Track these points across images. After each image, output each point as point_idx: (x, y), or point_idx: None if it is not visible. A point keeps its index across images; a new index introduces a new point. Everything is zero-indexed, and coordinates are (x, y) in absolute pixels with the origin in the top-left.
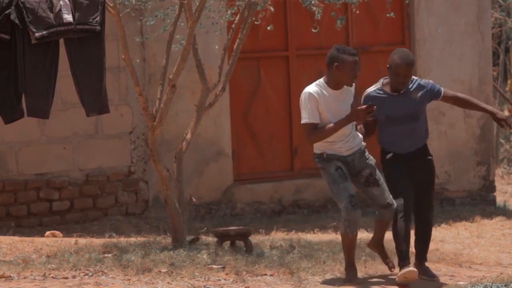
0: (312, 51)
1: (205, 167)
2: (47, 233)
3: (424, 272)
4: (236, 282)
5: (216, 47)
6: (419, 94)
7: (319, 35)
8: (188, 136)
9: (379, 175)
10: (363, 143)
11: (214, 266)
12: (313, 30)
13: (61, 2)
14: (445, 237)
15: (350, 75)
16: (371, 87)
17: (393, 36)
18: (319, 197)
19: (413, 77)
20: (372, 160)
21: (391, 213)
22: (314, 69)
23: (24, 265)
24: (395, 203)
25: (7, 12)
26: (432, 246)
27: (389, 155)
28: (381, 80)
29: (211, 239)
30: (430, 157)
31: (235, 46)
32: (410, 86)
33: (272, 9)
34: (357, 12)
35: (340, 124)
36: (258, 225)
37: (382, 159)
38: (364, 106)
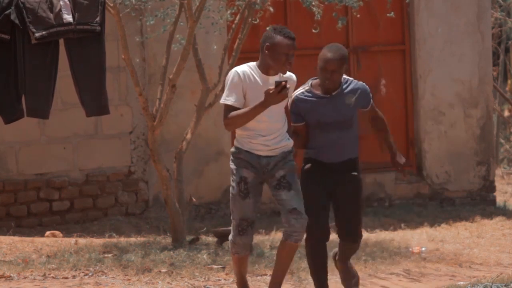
0: (312, 51)
1: (205, 167)
2: (47, 233)
3: None
4: None
5: (215, 47)
6: (354, 97)
7: (319, 35)
8: (188, 136)
9: (295, 180)
10: (292, 148)
11: (214, 266)
12: (313, 30)
13: (61, 2)
14: (445, 237)
15: (281, 60)
16: (299, 89)
17: (393, 36)
18: None
19: (347, 77)
20: (291, 163)
21: (298, 223)
22: (312, 69)
23: (24, 265)
24: (305, 215)
25: (7, 12)
26: (432, 246)
27: (308, 165)
28: (310, 81)
29: (211, 239)
30: (356, 173)
31: (235, 46)
32: (344, 87)
33: (271, 9)
34: (358, 16)
35: (255, 110)
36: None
37: (302, 168)
38: (273, 87)
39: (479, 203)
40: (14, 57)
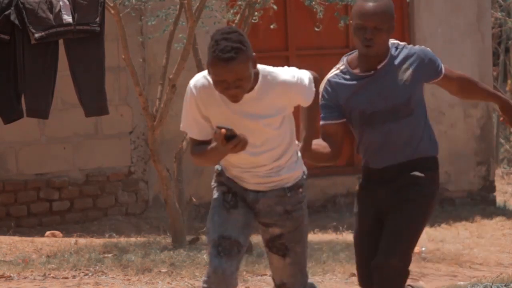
0: (312, 51)
1: (205, 167)
2: (47, 233)
3: None
4: None
5: None
6: (411, 68)
7: (320, 35)
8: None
9: (299, 239)
10: (302, 179)
11: None
12: (315, 29)
13: (61, 3)
14: (445, 237)
15: (217, 88)
16: (332, 70)
17: (393, 36)
18: (319, 197)
19: (397, 42)
20: (297, 213)
21: None
22: (314, 69)
23: (24, 265)
24: None
25: (7, 12)
26: (432, 246)
27: (360, 181)
28: (344, 58)
29: None
30: (422, 174)
31: None
32: (394, 56)
33: (275, 7)
34: None
35: (212, 155)
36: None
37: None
38: (219, 131)
39: (479, 203)
40: (13, 58)
